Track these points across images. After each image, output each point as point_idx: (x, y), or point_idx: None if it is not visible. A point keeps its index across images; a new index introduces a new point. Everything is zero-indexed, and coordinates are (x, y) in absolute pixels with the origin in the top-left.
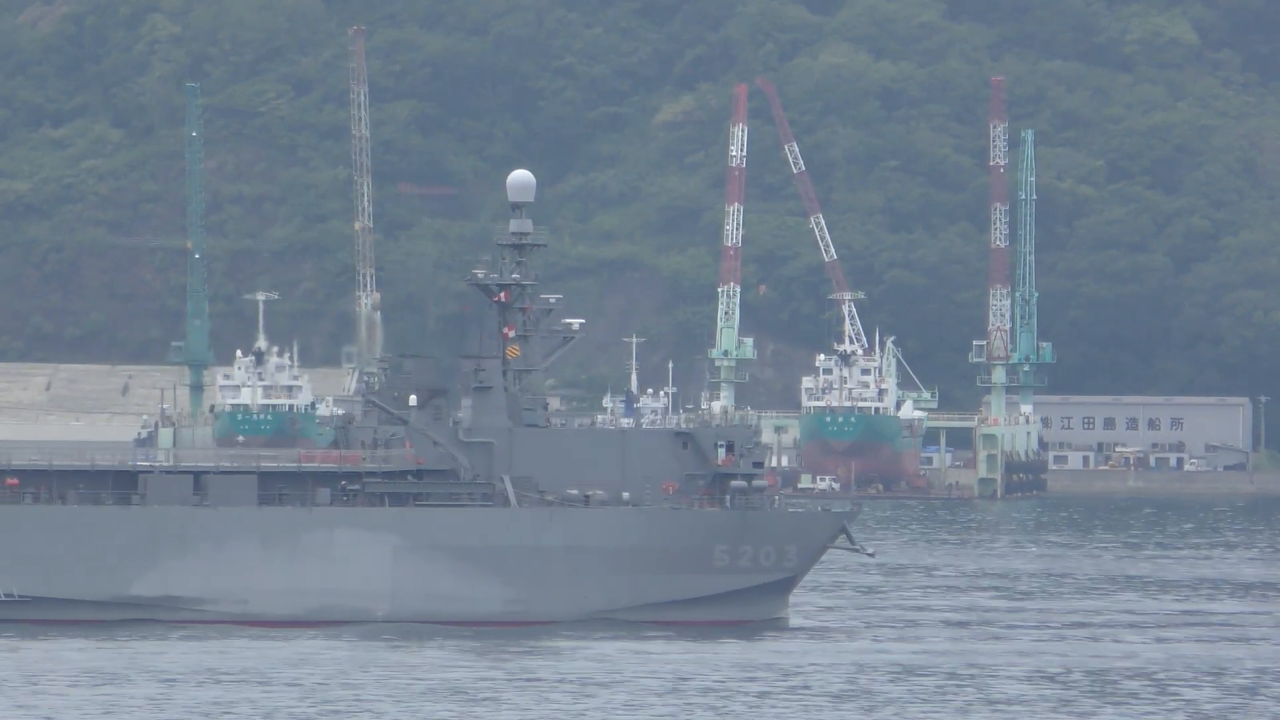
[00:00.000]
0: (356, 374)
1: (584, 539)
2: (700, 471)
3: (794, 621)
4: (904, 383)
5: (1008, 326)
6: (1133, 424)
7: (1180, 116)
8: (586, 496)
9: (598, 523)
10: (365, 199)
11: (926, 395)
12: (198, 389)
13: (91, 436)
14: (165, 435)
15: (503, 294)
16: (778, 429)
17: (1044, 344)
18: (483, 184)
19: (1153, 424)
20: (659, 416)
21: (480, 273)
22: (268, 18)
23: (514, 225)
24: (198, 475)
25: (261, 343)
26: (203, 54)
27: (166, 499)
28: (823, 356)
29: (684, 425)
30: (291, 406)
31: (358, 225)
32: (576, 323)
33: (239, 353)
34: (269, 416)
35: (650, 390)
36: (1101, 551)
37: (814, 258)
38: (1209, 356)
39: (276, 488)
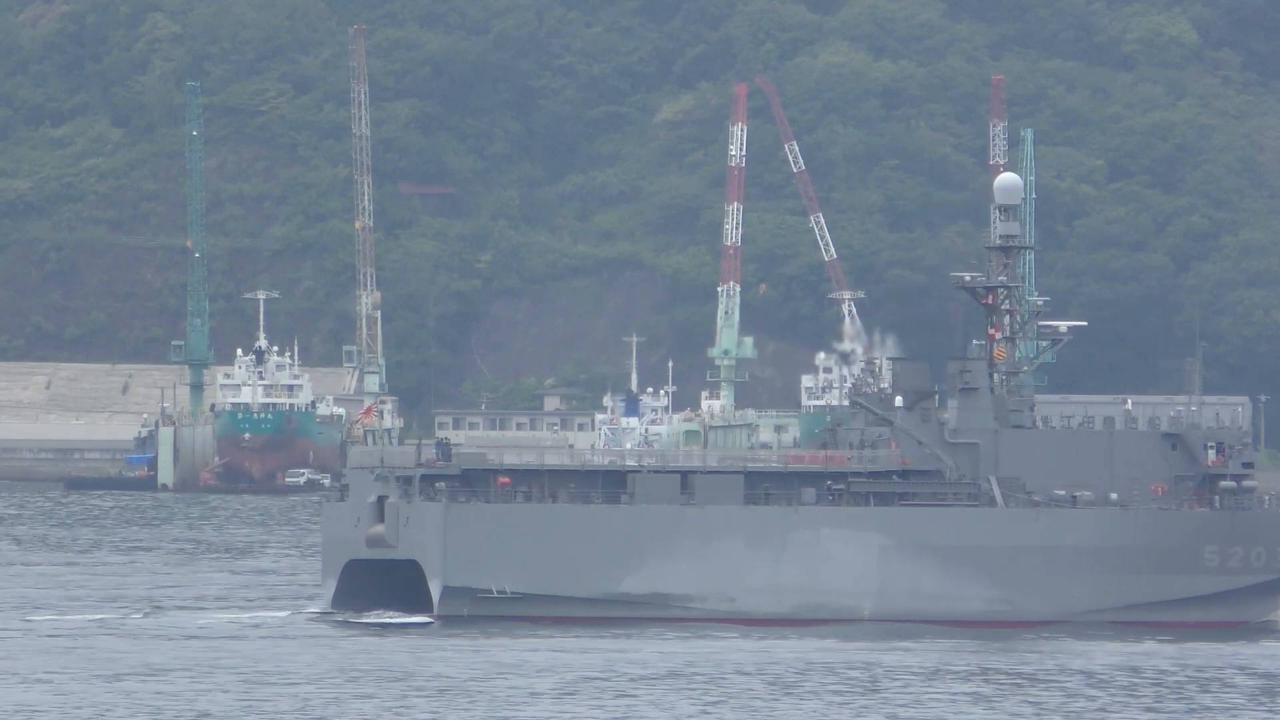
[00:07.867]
0: (357, 373)
1: (1070, 540)
2: (1189, 472)
3: None
4: None
5: None
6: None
7: (1180, 116)
8: (1074, 497)
9: (1084, 524)
10: (365, 198)
11: None
12: (198, 388)
13: (92, 435)
14: (165, 434)
15: (990, 296)
16: (778, 428)
17: (1044, 343)
18: (482, 183)
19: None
20: (658, 414)
21: (968, 275)
22: (268, 16)
23: (1002, 228)
24: (685, 475)
25: (262, 342)
26: (203, 53)
27: (655, 498)
28: (823, 355)
29: (1172, 427)
30: (291, 405)
31: (358, 224)
32: (1065, 325)
33: (239, 352)
34: (269, 415)
35: (650, 389)
36: None
37: (814, 257)
38: (1209, 356)
39: (762, 487)
